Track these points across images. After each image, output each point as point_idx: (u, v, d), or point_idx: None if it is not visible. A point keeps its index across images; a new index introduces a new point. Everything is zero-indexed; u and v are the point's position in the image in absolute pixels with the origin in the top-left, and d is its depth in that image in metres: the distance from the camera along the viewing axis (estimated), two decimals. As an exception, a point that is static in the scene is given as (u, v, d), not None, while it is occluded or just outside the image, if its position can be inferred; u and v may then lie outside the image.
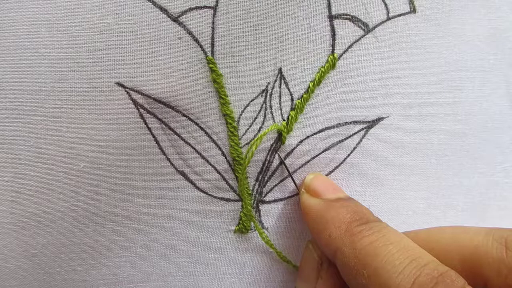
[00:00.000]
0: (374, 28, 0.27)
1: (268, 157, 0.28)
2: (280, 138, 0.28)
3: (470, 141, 0.31)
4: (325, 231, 0.24)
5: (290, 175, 0.28)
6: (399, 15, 0.27)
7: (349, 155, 0.29)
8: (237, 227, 0.29)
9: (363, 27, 0.27)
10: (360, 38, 0.27)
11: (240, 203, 0.28)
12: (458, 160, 0.31)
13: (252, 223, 0.29)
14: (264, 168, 0.28)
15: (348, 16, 0.26)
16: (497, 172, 0.32)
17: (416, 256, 0.21)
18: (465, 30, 0.29)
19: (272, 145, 0.28)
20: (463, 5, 0.28)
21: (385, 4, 0.27)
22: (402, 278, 0.20)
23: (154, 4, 0.24)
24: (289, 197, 0.29)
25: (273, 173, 0.28)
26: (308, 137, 0.28)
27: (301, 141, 0.28)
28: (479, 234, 0.23)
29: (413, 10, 0.27)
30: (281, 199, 0.29)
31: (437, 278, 0.20)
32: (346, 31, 0.27)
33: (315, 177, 0.28)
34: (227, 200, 0.28)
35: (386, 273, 0.21)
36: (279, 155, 0.28)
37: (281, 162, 0.28)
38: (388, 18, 0.27)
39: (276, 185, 0.28)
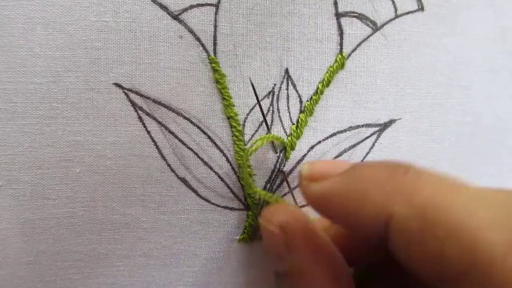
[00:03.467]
0: (382, 26, 0.26)
1: (277, 165, 0.27)
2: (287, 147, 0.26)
3: (479, 143, 0.30)
4: (364, 202, 0.18)
5: (291, 191, 0.27)
6: (407, 13, 0.26)
7: (362, 160, 0.28)
8: (241, 236, 0.27)
9: (371, 25, 0.26)
10: (368, 37, 0.26)
11: (245, 212, 0.27)
12: (468, 162, 0.30)
13: (258, 233, 0.28)
14: (273, 177, 0.27)
15: (355, 14, 0.26)
16: (505, 173, 0.31)
17: (501, 202, 0.16)
18: (473, 28, 0.28)
19: (281, 152, 0.27)
20: (471, 3, 0.28)
21: (393, 2, 0.26)
22: (496, 232, 0.15)
23: (154, 1, 0.24)
24: (299, 206, 0.27)
25: (282, 182, 0.27)
26: (319, 142, 0.27)
27: (312, 147, 0.27)
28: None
29: (421, 8, 0.27)
30: None
31: None
32: (354, 29, 0.26)
33: (312, 163, 0.23)
34: (231, 209, 0.27)
35: (470, 228, 0.15)
36: (283, 173, 0.27)
37: (284, 180, 0.27)
38: (396, 16, 0.26)
39: (285, 195, 0.27)
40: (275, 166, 0.27)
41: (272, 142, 0.26)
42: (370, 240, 0.22)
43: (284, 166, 0.27)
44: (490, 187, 0.17)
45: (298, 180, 0.24)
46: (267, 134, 0.26)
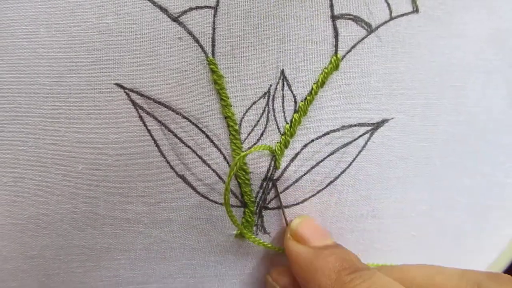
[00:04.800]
0: (377, 28, 0.27)
1: (273, 163, 0.27)
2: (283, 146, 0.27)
3: (472, 142, 0.30)
4: (314, 281, 0.24)
5: (282, 209, 0.28)
6: (402, 15, 0.27)
7: (354, 159, 0.28)
8: (238, 231, 0.28)
9: (366, 27, 0.26)
10: (363, 39, 0.27)
11: (242, 208, 0.28)
12: (461, 161, 0.30)
13: (254, 228, 0.28)
14: (269, 175, 0.27)
15: (350, 16, 0.26)
16: (499, 172, 0.32)
17: None
18: (467, 30, 0.28)
19: (274, 158, 0.27)
20: (465, 5, 0.28)
21: (388, 4, 0.26)
22: None
23: (154, 3, 0.24)
24: (293, 204, 0.28)
25: (277, 180, 0.28)
26: (312, 141, 0.27)
27: (305, 145, 0.27)
28: (453, 277, 0.24)
29: (415, 10, 0.27)
30: (285, 206, 0.28)
31: None
32: (349, 32, 0.26)
33: (301, 222, 0.27)
34: None
35: None
36: (275, 185, 0.27)
37: (276, 192, 0.28)
38: (391, 18, 0.27)
39: (280, 193, 0.28)
40: (269, 165, 0.27)
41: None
42: None
43: (275, 174, 0.28)
44: None
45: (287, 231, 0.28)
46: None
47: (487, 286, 0.22)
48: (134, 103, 0.25)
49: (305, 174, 0.28)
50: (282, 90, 0.26)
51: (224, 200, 0.26)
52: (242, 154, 0.26)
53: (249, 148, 0.27)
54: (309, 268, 0.25)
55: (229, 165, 0.27)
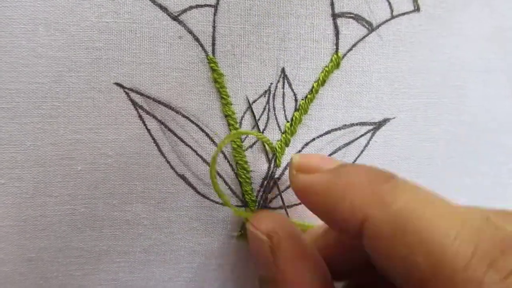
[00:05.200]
0: (378, 27, 0.27)
1: (273, 162, 0.27)
2: (283, 142, 0.27)
3: (474, 142, 0.30)
4: (343, 200, 0.19)
5: (284, 207, 0.27)
6: (403, 14, 0.27)
7: (357, 158, 0.28)
8: (240, 233, 0.28)
9: (367, 26, 0.26)
10: (364, 37, 0.26)
11: (243, 209, 0.27)
12: (463, 161, 0.30)
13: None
14: (270, 173, 0.27)
15: (351, 15, 0.26)
16: (501, 172, 0.31)
17: (466, 217, 0.17)
18: (468, 28, 0.28)
19: (274, 157, 0.27)
20: (467, 4, 0.28)
21: (389, 3, 0.26)
22: (459, 244, 0.16)
23: (154, 2, 0.24)
24: (294, 204, 0.28)
25: (279, 179, 0.27)
26: (314, 139, 0.27)
27: (307, 144, 0.27)
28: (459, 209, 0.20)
29: (417, 9, 0.27)
30: (287, 206, 0.28)
31: (504, 243, 0.16)
32: (350, 30, 0.26)
33: (303, 155, 0.24)
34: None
35: (436, 238, 0.16)
36: (276, 183, 0.27)
37: (276, 185, 0.27)
38: (392, 17, 0.27)
39: (282, 192, 0.28)
40: (270, 164, 0.27)
41: (265, 149, 0.27)
42: (353, 249, 0.23)
43: (276, 172, 0.27)
44: (458, 204, 0.19)
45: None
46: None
47: (496, 220, 0.18)
48: (133, 103, 0.25)
49: None
50: (283, 88, 0.26)
51: (210, 174, 0.24)
52: (233, 132, 0.25)
53: (250, 146, 0.27)
54: (332, 190, 0.20)
55: (230, 165, 0.27)
